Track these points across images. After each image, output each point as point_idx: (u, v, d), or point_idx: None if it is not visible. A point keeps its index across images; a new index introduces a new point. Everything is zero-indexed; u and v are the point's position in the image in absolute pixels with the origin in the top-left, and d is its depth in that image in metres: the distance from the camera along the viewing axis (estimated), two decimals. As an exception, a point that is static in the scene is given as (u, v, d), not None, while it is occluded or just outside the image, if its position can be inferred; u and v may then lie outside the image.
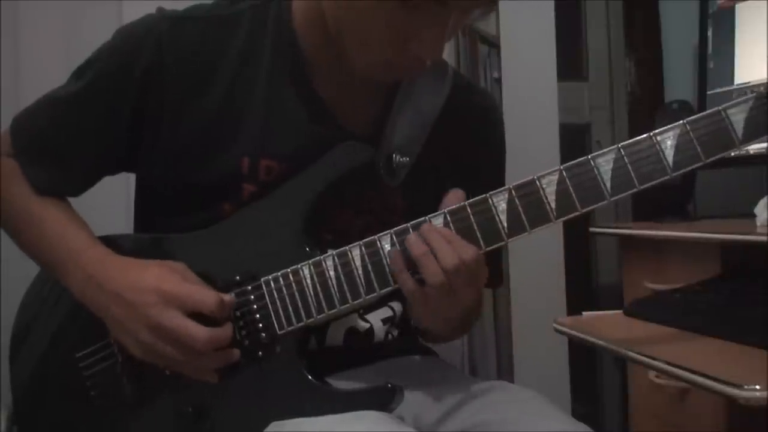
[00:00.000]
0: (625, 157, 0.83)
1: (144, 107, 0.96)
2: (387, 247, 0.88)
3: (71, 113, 1.00)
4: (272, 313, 0.92)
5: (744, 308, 1.01)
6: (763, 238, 1.15)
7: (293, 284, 0.91)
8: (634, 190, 0.83)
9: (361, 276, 0.88)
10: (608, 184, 0.83)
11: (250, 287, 0.93)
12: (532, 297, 1.86)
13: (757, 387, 0.74)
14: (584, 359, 2.30)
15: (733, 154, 0.83)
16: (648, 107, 2.16)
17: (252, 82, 0.96)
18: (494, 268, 0.98)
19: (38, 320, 1.05)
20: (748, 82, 1.55)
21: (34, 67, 1.67)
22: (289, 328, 0.91)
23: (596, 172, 0.83)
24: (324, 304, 0.90)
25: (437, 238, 0.84)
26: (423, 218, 0.87)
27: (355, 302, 0.89)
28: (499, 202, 0.85)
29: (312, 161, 0.95)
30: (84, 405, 0.99)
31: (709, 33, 1.68)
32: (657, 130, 0.83)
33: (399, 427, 0.85)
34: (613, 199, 0.83)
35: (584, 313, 1.18)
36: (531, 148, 1.78)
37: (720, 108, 0.82)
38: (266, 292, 0.92)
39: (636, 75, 2.25)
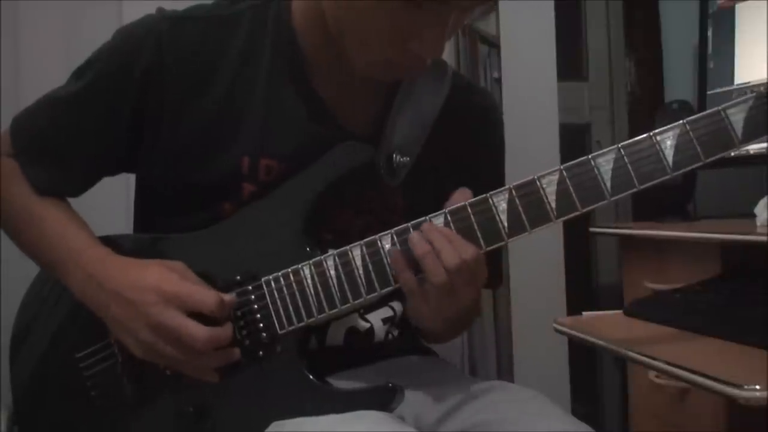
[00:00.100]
0: (625, 157, 0.83)
1: (144, 107, 0.96)
2: (388, 246, 0.88)
3: (71, 113, 1.00)
4: (273, 313, 0.92)
5: (744, 308, 1.01)
6: (763, 238, 1.15)
7: (294, 284, 0.91)
8: (634, 189, 0.83)
9: (362, 276, 0.89)
10: (608, 184, 0.83)
11: (250, 287, 0.93)
12: (532, 297, 1.86)
13: (757, 387, 0.74)
14: (584, 359, 2.30)
15: (732, 154, 0.83)
16: (648, 107, 2.16)
17: (252, 81, 0.97)
18: (494, 269, 0.98)
19: (38, 320, 1.05)
20: (748, 82, 1.55)
21: (34, 67, 1.67)
22: (290, 328, 0.91)
23: (596, 171, 0.84)
24: (325, 303, 0.90)
25: (439, 238, 0.85)
26: (423, 218, 0.87)
27: (356, 302, 0.89)
28: (500, 202, 0.85)
29: (312, 161, 0.95)
30: (84, 405, 0.99)
31: (709, 33, 1.68)
32: (657, 130, 0.83)
33: (400, 427, 0.85)
34: (613, 198, 0.83)
35: (584, 313, 1.18)
36: (531, 148, 1.78)
37: (719, 108, 0.82)
38: (267, 292, 0.92)
39: (636, 75, 2.25)
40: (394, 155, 0.98)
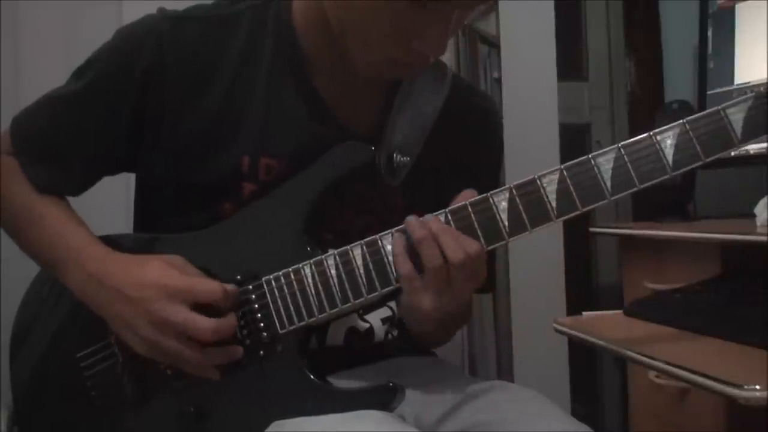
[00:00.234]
0: (625, 157, 0.83)
1: (144, 107, 0.96)
2: (388, 246, 0.88)
3: (71, 113, 1.00)
4: (273, 313, 0.92)
5: (744, 308, 1.01)
6: (763, 238, 1.15)
7: (294, 283, 0.91)
8: (635, 189, 0.83)
9: (363, 275, 0.89)
10: (608, 184, 0.83)
11: (251, 287, 0.93)
12: (532, 297, 1.86)
13: (757, 387, 0.74)
14: (584, 359, 2.30)
15: (732, 153, 0.83)
16: (648, 107, 2.16)
17: (252, 81, 0.97)
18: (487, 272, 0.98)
19: (38, 320, 1.05)
20: (748, 82, 1.55)
21: (34, 67, 1.67)
22: (291, 328, 0.91)
23: (597, 171, 0.84)
24: (325, 303, 0.90)
25: (438, 226, 0.85)
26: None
27: (357, 301, 0.89)
28: (500, 202, 0.86)
29: (312, 160, 0.95)
30: (85, 405, 0.99)
31: (709, 33, 1.68)
32: (657, 130, 0.83)
33: (400, 427, 0.85)
34: (613, 198, 0.84)
35: (584, 313, 1.18)
36: (531, 148, 1.78)
37: (719, 108, 0.82)
38: (267, 292, 0.92)
39: (636, 75, 2.25)
40: (395, 155, 0.98)
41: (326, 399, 0.90)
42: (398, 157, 0.98)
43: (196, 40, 0.96)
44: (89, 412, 0.99)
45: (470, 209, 0.86)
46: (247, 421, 0.91)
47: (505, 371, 1.96)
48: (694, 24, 1.74)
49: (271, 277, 0.92)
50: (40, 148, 1.02)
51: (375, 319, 1.04)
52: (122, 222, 1.18)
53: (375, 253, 0.88)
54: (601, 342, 1.01)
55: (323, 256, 0.90)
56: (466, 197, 0.87)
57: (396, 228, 0.88)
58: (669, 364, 0.85)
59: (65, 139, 1.01)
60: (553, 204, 0.84)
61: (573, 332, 1.09)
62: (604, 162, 0.84)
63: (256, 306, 0.92)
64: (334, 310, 0.90)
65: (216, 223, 0.97)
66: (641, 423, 1.61)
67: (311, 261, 0.91)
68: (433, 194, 0.91)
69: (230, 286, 0.91)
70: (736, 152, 0.84)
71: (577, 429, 0.87)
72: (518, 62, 1.89)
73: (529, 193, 0.85)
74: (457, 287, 0.86)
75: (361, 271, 0.89)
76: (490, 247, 0.86)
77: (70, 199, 1.05)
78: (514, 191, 0.85)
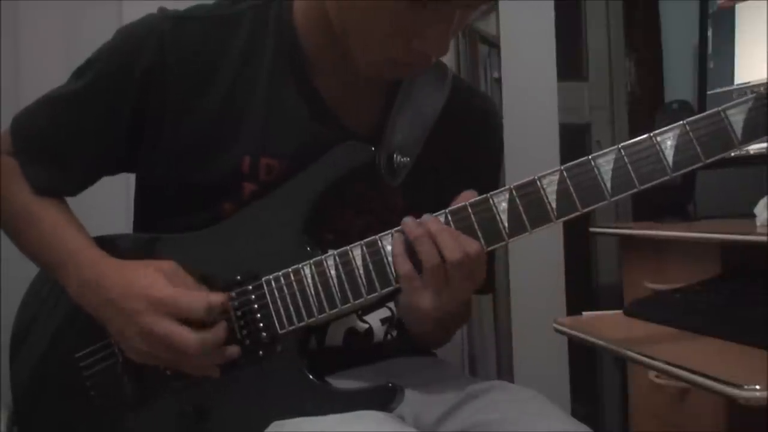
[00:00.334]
0: (625, 158, 0.83)
1: (145, 107, 0.96)
2: (388, 247, 0.88)
3: (71, 113, 1.00)
4: (273, 313, 0.92)
5: (744, 308, 1.01)
6: (763, 238, 1.15)
7: (294, 283, 0.91)
8: (635, 190, 0.83)
9: (362, 275, 0.89)
10: (608, 184, 0.83)
11: (251, 287, 0.93)
12: (532, 297, 1.86)
13: (757, 387, 0.74)
14: (584, 359, 2.30)
15: (732, 154, 0.83)
16: (648, 107, 2.16)
17: (253, 81, 0.97)
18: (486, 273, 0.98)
19: (38, 320, 1.05)
20: (748, 82, 1.55)
21: (34, 67, 1.67)
22: (290, 328, 0.91)
23: (597, 172, 0.84)
24: (325, 303, 0.90)
25: (437, 226, 0.85)
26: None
27: (357, 302, 0.89)
28: (500, 202, 0.86)
29: (312, 160, 0.95)
30: (84, 405, 0.99)
31: (709, 33, 1.68)
32: (657, 131, 0.83)
33: (400, 427, 0.85)
34: (613, 199, 0.84)
35: (584, 313, 1.18)
36: (531, 148, 1.78)
37: (719, 109, 0.82)
38: (267, 292, 0.92)
39: (636, 75, 2.24)
40: (395, 155, 0.98)
41: (326, 399, 0.90)
42: (398, 157, 0.98)
43: (197, 40, 0.96)
44: (89, 412, 0.99)
45: (470, 210, 0.86)
46: (247, 421, 0.91)
47: (505, 371, 1.96)
48: (694, 24, 1.74)
49: (271, 277, 0.92)
50: (40, 147, 1.02)
51: (374, 319, 1.04)
52: (122, 222, 1.18)
53: (375, 253, 0.88)
54: (601, 342, 1.01)
55: (323, 257, 0.90)
56: (466, 198, 0.87)
57: (396, 228, 0.88)
58: (669, 364, 0.85)
59: (65, 139, 1.01)
60: (553, 205, 0.84)
61: (573, 332, 1.09)
62: (604, 163, 0.84)
63: (256, 306, 0.92)
64: (334, 311, 0.90)
65: (216, 223, 0.97)
66: (641, 423, 1.61)
67: (311, 261, 0.91)
68: (433, 195, 0.91)
69: (215, 297, 0.90)
70: (736, 152, 0.84)
71: (577, 429, 0.87)
72: (518, 62, 1.89)
73: (529, 194, 0.85)
74: (456, 286, 0.86)
75: (361, 271, 0.89)
76: (490, 248, 0.86)
77: (70, 199, 1.05)
78: (514, 192, 0.85)
